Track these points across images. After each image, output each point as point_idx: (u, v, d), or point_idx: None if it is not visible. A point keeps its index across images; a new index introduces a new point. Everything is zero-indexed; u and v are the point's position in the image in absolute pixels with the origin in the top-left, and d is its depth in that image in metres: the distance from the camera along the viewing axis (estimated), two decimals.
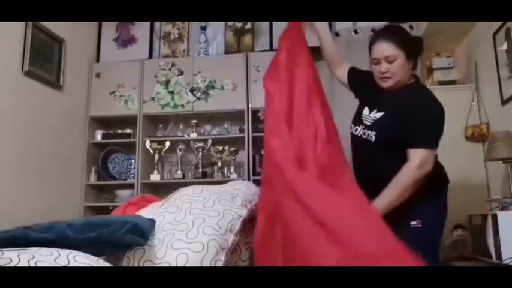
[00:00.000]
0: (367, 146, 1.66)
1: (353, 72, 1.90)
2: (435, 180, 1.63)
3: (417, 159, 1.52)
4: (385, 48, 1.62)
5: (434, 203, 1.63)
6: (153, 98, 3.52)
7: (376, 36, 1.70)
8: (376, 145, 1.63)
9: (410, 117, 1.57)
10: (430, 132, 1.57)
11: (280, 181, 1.32)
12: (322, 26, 1.97)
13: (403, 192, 1.52)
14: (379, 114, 1.66)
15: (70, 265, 0.97)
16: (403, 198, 1.52)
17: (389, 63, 1.62)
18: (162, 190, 3.28)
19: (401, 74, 1.64)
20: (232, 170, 3.38)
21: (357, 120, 1.75)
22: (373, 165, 1.65)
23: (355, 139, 1.74)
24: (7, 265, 0.88)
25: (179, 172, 3.43)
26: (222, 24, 3.73)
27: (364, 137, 1.69)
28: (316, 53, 3.65)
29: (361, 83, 1.83)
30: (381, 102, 1.69)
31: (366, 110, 1.73)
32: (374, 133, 1.64)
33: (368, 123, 1.69)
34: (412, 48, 1.65)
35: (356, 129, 1.73)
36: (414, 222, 1.55)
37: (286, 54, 1.62)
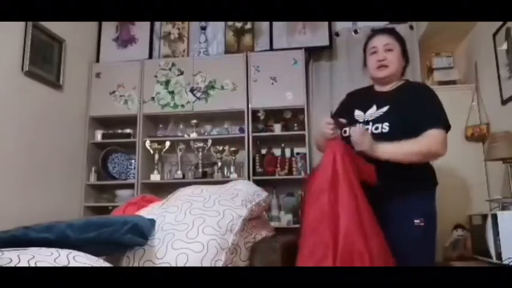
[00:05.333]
0: (374, 139, 1.60)
1: (336, 116, 1.81)
2: (433, 180, 1.67)
3: (436, 138, 1.55)
4: (384, 38, 1.73)
5: (432, 204, 1.64)
6: (153, 98, 3.52)
7: (374, 32, 1.80)
8: (391, 135, 1.60)
9: (421, 102, 1.61)
10: (443, 113, 1.62)
11: None
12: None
13: (410, 153, 1.54)
14: (384, 109, 1.66)
15: (70, 265, 0.97)
16: (405, 158, 1.54)
17: (387, 52, 1.70)
18: (162, 190, 3.27)
19: (396, 66, 1.71)
20: (232, 170, 3.38)
21: (351, 122, 1.69)
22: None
23: None
24: (7, 265, 0.88)
25: (179, 172, 3.42)
26: (222, 24, 3.72)
27: (368, 132, 1.64)
28: (315, 53, 3.66)
29: (344, 106, 1.85)
30: (377, 101, 1.70)
31: (358, 112, 1.72)
32: (387, 124, 1.62)
33: (371, 119, 1.66)
34: (405, 49, 1.76)
35: None
36: (417, 221, 1.56)
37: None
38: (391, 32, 1.77)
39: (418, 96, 1.66)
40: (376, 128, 1.64)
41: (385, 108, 1.66)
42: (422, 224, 1.55)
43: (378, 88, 1.79)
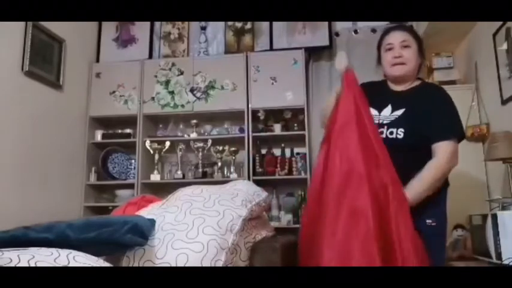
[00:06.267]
0: (388, 145, 1.55)
1: None
2: (445, 181, 1.64)
3: (447, 152, 1.53)
4: (401, 35, 1.67)
5: (444, 204, 1.62)
6: (153, 98, 3.52)
7: (391, 27, 1.75)
8: (405, 142, 1.57)
9: (434, 110, 1.58)
10: (456, 123, 1.59)
11: None
12: None
13: (433, 184, 1.52)
14: (399, 112, 1.62)
15: (70, 265, 0.97)
16: (432, 189, 1.52)
17: (404, 49, 1.65)
18: (162, 190, 3.28)
19: (413, 64, 1.66)
20: (232, 170, 3.38)
21: None
22: (400, 166, 1.50)
23: None
24: (7, 265, 0.88)
25: (179, 172, 3.42)
26: (222, 24, 3.72)
27: (383, 136, 1.60)
28: (315, 53, 3.66)
29: None
30: (393, 101, 1.66)
31: (373, 111, 1.64)
32: (402, 130, 1.58)
33: (386, 122, 1.62)
34: (422, 46, 1.70)
35: None
36: (429, 221, 1.55)
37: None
38: (408, 29, 1.71)
39: (433, 101, 1.61)
40: (391, 133, 1.60)
41: (400, 112, 1.62)
42: (434, 224, 1.55)
43: (392, 86, 1.73)
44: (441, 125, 1.56)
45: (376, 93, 1.70)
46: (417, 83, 1.71)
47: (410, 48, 1.65)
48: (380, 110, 1.66)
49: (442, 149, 1.53)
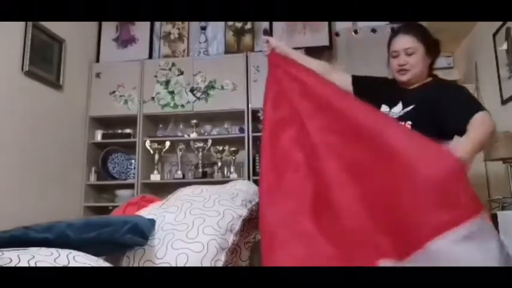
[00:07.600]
0: None
1: (358, 80, 1.83)
2: None
3: (484, 118, 1.44)
4: (406, 41, 1.66)
5: None
6: (153, 98, 3.52)
7: (397, 30, 1.73)
8: None
9: (450, 100, 1.55)
10: (476, 102, 1.55)
11: None
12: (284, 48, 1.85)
13: (484, 138, 1.41)
14: (408, 108, 1.63)
15: (70, 265, 0.97)
16: (483, 146, 1.45)
17: (408, 56, 1.64)
18: (162, 190, 3.28)
19: (419, 68, 1.66)
20: (232, 170, 3.38)
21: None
22: None
23: None
24: (7, 265, 0.88)
25: (179, 172, 3.43)
26: (222, 24, 3.73)
27: None
28: (315, 53, 3.65)
29: (370, 86, 1.79)
30: (404, 98, 1.67)
31: (384, 107, 1.69)
32: (410, 122, 1.58)
33: (394, 117, 1.63)
34: (432, 45, 1.68)
35: None
36: None
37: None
38: (414, 32, 1.67)
39: (447, 94, 1.59)
40: None
41: (409, 107, 1.63)
42: None
43: (402, 85, 1.74)
44: (462, 108, 1.50)
45: (388, 90, 1.73)
46: (428, 79, 1.71)
47: (415, 54, 1.64)
48: (391, 107, 1.69)
49: (475, 120, 1.44)
